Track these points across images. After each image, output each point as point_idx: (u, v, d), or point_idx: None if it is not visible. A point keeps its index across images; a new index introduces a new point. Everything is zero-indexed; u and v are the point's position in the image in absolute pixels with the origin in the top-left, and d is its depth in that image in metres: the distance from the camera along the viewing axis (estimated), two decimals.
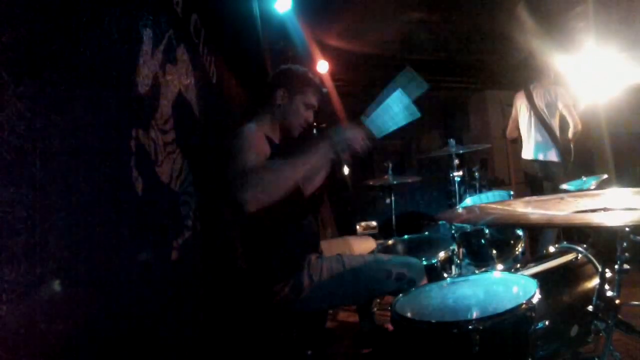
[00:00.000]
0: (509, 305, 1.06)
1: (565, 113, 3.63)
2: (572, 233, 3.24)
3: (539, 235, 3.56)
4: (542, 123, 3.66)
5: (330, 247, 2.01)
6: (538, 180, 3.84)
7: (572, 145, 3.63)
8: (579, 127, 3.61)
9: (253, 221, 1.63)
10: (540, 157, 3.70)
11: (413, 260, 1.74)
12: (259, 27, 2.87)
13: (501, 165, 5.73)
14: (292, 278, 1.55)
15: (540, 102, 3.68)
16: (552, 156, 3.65)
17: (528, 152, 3.81)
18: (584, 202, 1.27)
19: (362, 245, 2.24)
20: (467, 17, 3.88)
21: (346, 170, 5.19)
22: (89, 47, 0.99)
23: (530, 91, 3.75)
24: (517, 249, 2.52)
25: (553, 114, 3.66)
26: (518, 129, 3.95)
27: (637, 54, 3.66)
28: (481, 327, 1.00)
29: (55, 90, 0.87)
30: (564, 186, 2.94)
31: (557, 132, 3.65)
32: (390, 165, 3.33)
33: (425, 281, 1.68)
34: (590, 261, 1.54)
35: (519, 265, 1.62)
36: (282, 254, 1.57)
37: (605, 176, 2.94)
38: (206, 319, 1.75)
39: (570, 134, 3.63)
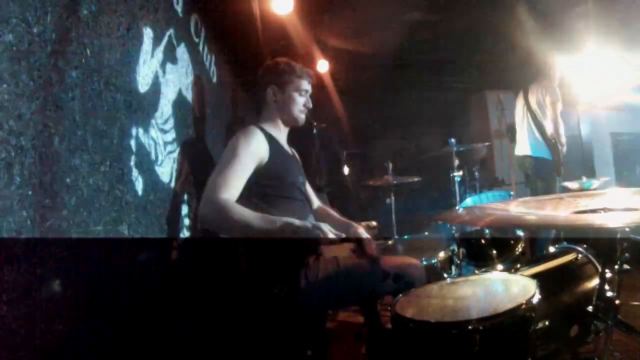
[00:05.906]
0: (509, 305, 1.06)
1: (549, 110, 3.66)
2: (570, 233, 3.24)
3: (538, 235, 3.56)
4: (535, 121, 3.72)
5: (330, 251, 2.01)
6: (532, 179, 3.87)
7: (559, 146, 3.64)
8: (555, 126, 3.60)
9: None
10: (531, 153, 3.74)
11: (412, 260, 1.73)
12: (259, 27, 2.87)
13: (501, 165, 5.72)
14: (289, 279, 1.56)
15: (533, 101, 3.75)
16: (543, 154, 3.68)
17: (520, 149, 3.87)
18: (584, 203, 1.27)
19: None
20: (467, 18, 3.88)
21: (346, 170, 5.19)
22: (89, 47, 0.99)
23: (527, 91, 3.80)
24: (517, 249, 2.52)
25: (545, 113, 3.70)
26: None
27: (637, 54, 3.66)
28: (481, 327, 1.00)
29: (55, 90, 0.87)
30: (565, 184, 2.94)
31: (549, 131, 3.68)
32: (390, 165, 3.34)
33: (425, 281, 1.68)
34: (590, 261, 1.54)
35: (519, 265, 1.61)
36: (281, 255, 1.58)
37: (607, 178, 2.94)
38: (206, 318, 1.75)
39: (548, 131, 3.65)
